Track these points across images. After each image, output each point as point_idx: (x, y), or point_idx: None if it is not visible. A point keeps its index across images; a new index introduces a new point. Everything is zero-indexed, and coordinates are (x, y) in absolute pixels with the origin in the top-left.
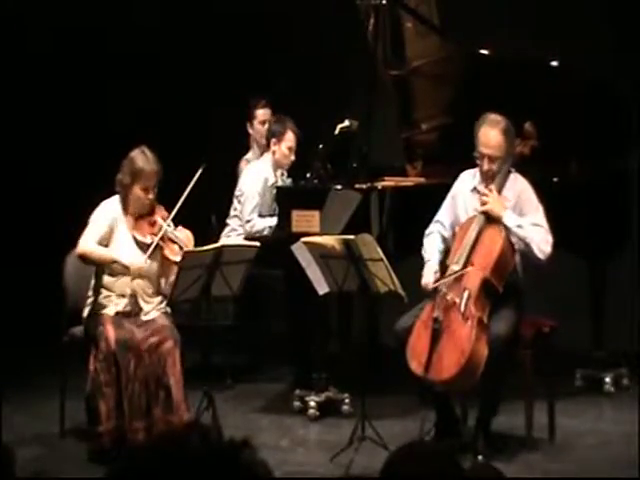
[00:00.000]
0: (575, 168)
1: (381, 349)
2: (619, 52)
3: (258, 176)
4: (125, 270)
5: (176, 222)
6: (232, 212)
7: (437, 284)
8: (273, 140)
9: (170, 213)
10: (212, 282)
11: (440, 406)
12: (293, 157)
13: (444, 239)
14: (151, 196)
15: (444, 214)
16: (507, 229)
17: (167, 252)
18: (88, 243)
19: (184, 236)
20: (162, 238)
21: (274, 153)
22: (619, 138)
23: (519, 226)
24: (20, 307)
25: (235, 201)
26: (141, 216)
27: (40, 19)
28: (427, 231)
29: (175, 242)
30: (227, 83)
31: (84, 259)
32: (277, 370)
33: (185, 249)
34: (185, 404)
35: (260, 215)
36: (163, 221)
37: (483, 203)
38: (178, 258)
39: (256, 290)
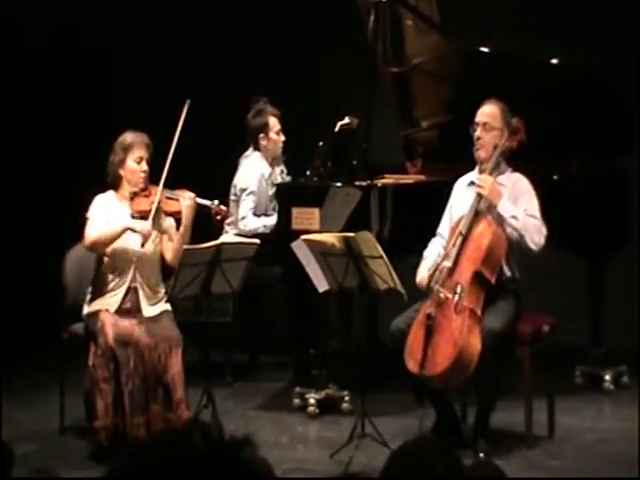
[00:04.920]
0: (575, 167)
1: (381, 347)
2: (619, 52)
3: (254, 174)
4: (129, 258)
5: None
6: (230, 218)
7: (431, 279)
8: (261, 135)
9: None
10: (212, 279)
11: (439, 405)
12: (283, 137)
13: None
14: (145, 167)
15: (443, 226)
16: (500, 219)
17: (167, 208)
18: (92, 232)
19: (182, 192)
20: (160, 201)
21: (265, 148)
22: (619, 137)
23: (514, 217)
24: (20, 304)
25: (232, 205)
26: (136, 194)
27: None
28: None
29: (175, 199)
30: (227, 83)
31: (96, 246)
32: (277, 367)
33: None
34: (185, 403)
35: (254, 214)
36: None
37: (480, 188)
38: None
39: (256, 287)
